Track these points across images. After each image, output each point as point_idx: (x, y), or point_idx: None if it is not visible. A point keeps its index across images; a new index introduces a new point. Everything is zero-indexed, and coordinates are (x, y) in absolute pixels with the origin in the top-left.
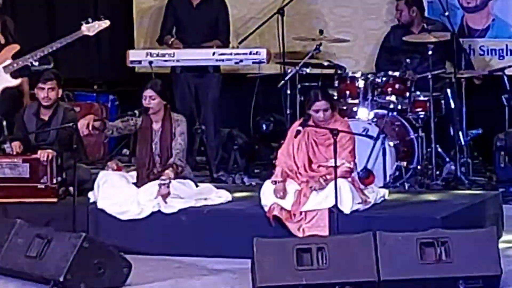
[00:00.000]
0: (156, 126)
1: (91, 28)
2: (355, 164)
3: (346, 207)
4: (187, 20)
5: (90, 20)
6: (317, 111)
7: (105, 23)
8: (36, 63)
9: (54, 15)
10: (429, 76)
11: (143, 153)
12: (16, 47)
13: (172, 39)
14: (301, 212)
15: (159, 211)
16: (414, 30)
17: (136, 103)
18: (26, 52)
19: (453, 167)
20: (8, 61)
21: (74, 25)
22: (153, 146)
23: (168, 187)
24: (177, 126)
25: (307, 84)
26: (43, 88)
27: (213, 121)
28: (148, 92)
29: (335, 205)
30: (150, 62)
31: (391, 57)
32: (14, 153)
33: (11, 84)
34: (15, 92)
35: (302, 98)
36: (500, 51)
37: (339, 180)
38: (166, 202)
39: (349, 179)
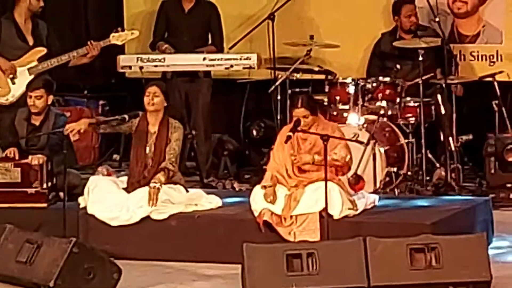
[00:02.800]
0: (152, 129)
1: (120, 37)
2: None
3: (336, 211)
4: (179, 25)
5: (119, 29)
6: (299, 121)
7: (133, 33)
8: None
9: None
10: (420, 82)
11: (136, 154)
12: (42, 50)
13: (165, 46)
14: (291, 216)
15: (149, 216)
16: (405, 36)
17: (126, 108)
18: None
19: (443, 173)
20: (34, 63)
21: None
22: (147, 148)
23: (158, 190)
24: (174, 131)
25: (297, 89)
26: (31, 96)
27: (203, 126)
28: (153, 89)
29: (325, 210)
30: (141, 67)
31: (382, 63)
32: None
33: (25, 87)
34: None
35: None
36: (491, 57)
37: (329, 184)
38: (155, 206)
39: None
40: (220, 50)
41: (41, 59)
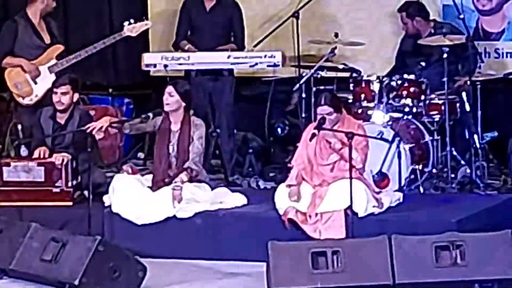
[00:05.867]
0: (175, 127)
1: (133, 29)
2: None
3: (361, 209)
4: (201, 23)
5: (132, 21)
6: (322, 116)
7: (147, 24)
8: None
9: (68, 17)
10: (444, 79)
11: (159, 154)
12: (60, 48)
13: (188, 45)
14: (316, 214)
15: (174, 215)
16: (423, 36)
17: (151, 106)
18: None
19: (468, 170)
20: (53, 61)
21: (89, 28)
22: (170, 148)
23: (181, 190)
24: (196, 130)
25: (322, 87)
26: (56, 93)
27: (227, 124)
28: (169, 88)
29: (350, 208)
30: (165, 66)
31: (405, 61)
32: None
33: (51, 85)
34: None
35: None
36: None
37: (354, 182)
38: (180, 202)
39: (363, 180)
40: (241, 48)
41: (59, 57)
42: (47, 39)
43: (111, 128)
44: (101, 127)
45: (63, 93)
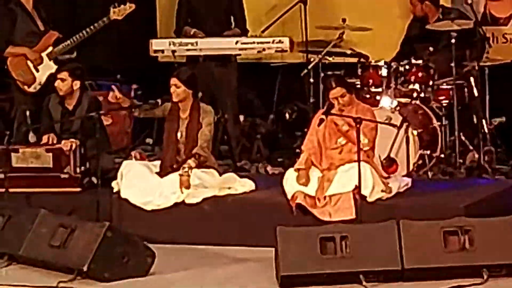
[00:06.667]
0: (184, 114)
1: (119, 12)
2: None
3: (368, 191)
4: (202, 9)
5: (116, 4)
6: (335, 99)
7: (131, 7)
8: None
9: (76, 3)
10: (452, 65)
11: (168, 140)
12: (55, 34)
13: (193, 30)
14: (325, 197)
15: (182, 201)
16: (430, 21)
17: (159, 92)
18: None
19: (476, 155)
20: (50, 48)
21: (97, 13)
22: (179, 134)
23: (189, 176)
24: (205, 116)
25: (330, 72)
26: (56, 79)
27: (232, 110)
28: (173, 81)
29: (358, 189)
30: (173, 51)
31: (413, 46)
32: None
33: (54, 71)
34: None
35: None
36: None
37: (361, 164)
38: (188, 189)
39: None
40: (244, 33)
41: (55, 43)
42: (41, 25)
43: (121, 111)
44: (122, 105)
45: (61, 79)
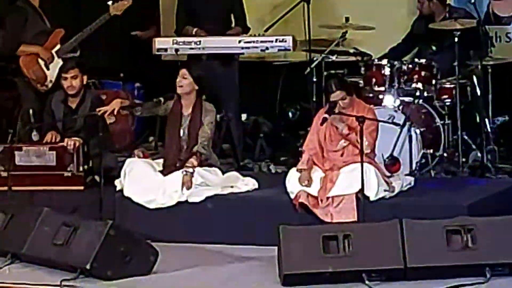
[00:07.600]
0: (186, 111)
1: (118, 7)
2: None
3: (372, 192)
4: (201, 8)
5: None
6: (335, 102)
7: (128, 1)
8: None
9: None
10: (455, 64)
11: (170, 137)
12: (62, 31)
13: (195, 29)
14: (327, 198)
15: (185, 200)
16: (437, 19)
17: (162, 91)
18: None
19: (479, 154)
20: (58, 46)
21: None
22: (181, 131)
23: (192, 175)
24: (207, 114)
25: (333, 71)
26: (66, 78)
27: (234, 109)
28: (183, 71)
29: (361, 191)
30: (176, 50)
31: (415, 43)
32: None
33: (60, 69)
34: None
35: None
36: None
37: (365, 165)
38: (189, 189)
39: (374, 164)
40: (245, 30)
41: (62, 40)
42: (48, 23)
43: (122, 110)
44: (113, 110)
45: (73, 77)
